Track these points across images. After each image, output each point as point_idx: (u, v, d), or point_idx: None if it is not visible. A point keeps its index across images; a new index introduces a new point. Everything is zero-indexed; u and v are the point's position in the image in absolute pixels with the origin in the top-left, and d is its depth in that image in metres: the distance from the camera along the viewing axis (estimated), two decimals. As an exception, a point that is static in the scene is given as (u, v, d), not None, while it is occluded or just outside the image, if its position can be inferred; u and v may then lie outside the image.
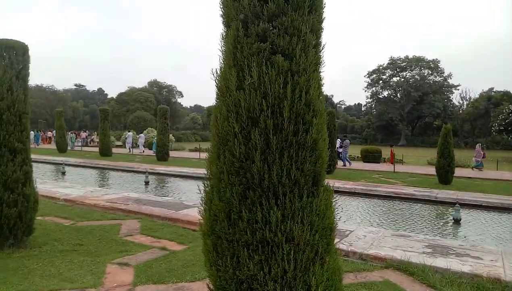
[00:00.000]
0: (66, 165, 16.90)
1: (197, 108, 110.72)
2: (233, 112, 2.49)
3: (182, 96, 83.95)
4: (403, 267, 4.34)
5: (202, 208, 2.80)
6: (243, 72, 2.52)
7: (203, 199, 2.77)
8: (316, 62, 2.63)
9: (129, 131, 33.24)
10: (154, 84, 76.40)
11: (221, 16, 2.81)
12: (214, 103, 2.82)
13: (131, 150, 28.61)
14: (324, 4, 2.76)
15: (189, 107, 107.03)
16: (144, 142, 29.54)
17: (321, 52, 2.73)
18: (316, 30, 2.64)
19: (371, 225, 7.59)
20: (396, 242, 5.32)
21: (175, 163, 18.86)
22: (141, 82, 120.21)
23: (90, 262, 4.42)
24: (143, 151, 27.78)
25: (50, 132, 40.30)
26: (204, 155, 20.96)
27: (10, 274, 4.03)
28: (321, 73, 2.72)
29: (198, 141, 53.28)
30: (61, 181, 13.08)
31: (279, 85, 2.41)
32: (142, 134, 31.30)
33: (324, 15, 2.75)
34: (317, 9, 2.63)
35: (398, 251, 4.83)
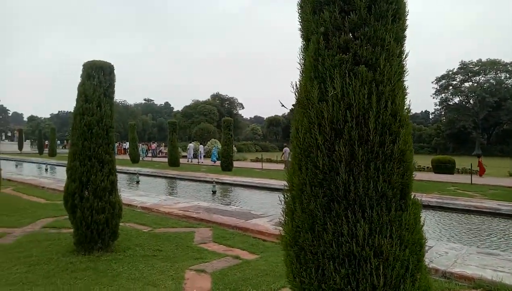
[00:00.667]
0: (139, 174, 18.04)
1: (257, 119, 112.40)
2: (315, 124, 2.50)
3: (243, 107, 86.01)
4: (495, 289, 3.98)
5: (282, 219, 2.82)
6: (325, 84, 2.52)
7: (283, 209, 2.78)
8: (400, 72, 2.56)
9: (190, 143, 35.73)
10: (216, 97, 79.18)
11: (300, 30, 2.85)
12: (288, 115, 2.85)
13: (191, 160, 31.47)
14: (407, 11, 2.70)
15: (249, 118, 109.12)
16: (203, 152, 32.56)
17: (405, 60, 2.66)
18: (400, 38, 2.58)
19: (451, 241, 7.08)
20: (484, 260, 4.90)
21: (239, 173, 19.25)
22: (204, 95, 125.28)
23: (169, 268, 4.65)
24: (202, 161, 30.53)
25: (124, 144, 43.28)
26: (266, 165, 21.18)
27: (101, 275, 4.38)
28: (405, 82, 2.66)
29: (258, 152, 53.88)
30: (136, 190, 13.98)
31: (363, 96, 2.38)
32: (201, 146, 34.25)
33: (407, 22, 2.70)
34: (400, 17, 2.57)
35: (487, 271, 4.44)
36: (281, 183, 13.64)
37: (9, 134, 63.59)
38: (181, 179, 18.11)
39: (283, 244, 2.72)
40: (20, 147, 45.17)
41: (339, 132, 2.41)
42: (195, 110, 68.35)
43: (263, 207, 10.25)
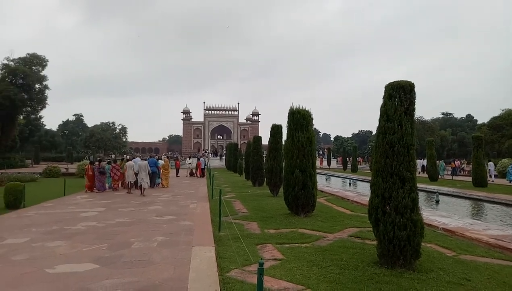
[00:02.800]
0: (439, 193, 16.98)
1: None
2: None
3: None
4: None
5: None
6: None
7: None
8: None
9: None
10: (538, 102, 63.70)
11: None
12: None
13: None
14: None
15: None
16: (494, 170, 27.70)
17: None
18: None
19: None
20: None
21: None
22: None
23: (482, 302, 4.11)
24: (493, 180, 25.98)
25: (421, 161, 41.96)
26: None
27: (404, 293, 4.42)
28: None
29: None
30: (436, 209, 13.22)
31: None
32: (490, 162, 28.71)
33: None
34: None
35: None
36: None
37: (320, 152, 75.63)
38: (489, 202, 15.64)
39: None
40: (329, 163, 52.55)
41: None
42: (506, 121, 57.50)
43: None
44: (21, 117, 47.37)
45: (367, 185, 6.13)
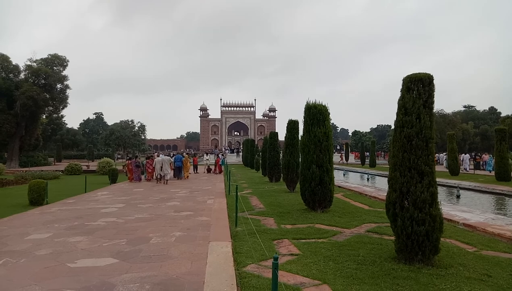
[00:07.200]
0: (460, 188, 16.61)
1: None
2: None
3: None
4: None
5: None
6: None
7: None
8: None
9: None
10: None
11: None
12: None
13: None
14: None
15: None
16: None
17: None
18: None
19: None
20: None
21: None
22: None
23: (503, 298, 4.01)
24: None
25: (441, 155, 41.09)
26: None
27: (422, 288, 4.35)
28: None
29: None
30: (457, 204, 12.94)
31: None
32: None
33: None
34: None
35: None
36: None
37: (338, 147, 74.88)
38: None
39: None
40: (346, 158, 52.05)
41: None
42: (532, 113, 55.65)
43: None
44: (44, 117, 48.55)
45: (386, 180, 6.04)
